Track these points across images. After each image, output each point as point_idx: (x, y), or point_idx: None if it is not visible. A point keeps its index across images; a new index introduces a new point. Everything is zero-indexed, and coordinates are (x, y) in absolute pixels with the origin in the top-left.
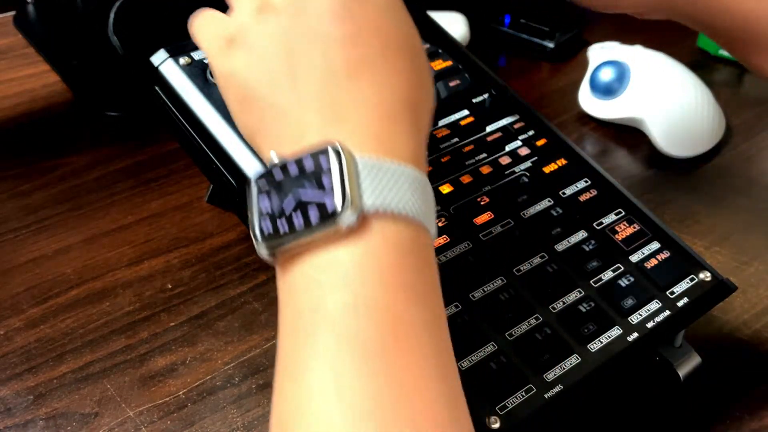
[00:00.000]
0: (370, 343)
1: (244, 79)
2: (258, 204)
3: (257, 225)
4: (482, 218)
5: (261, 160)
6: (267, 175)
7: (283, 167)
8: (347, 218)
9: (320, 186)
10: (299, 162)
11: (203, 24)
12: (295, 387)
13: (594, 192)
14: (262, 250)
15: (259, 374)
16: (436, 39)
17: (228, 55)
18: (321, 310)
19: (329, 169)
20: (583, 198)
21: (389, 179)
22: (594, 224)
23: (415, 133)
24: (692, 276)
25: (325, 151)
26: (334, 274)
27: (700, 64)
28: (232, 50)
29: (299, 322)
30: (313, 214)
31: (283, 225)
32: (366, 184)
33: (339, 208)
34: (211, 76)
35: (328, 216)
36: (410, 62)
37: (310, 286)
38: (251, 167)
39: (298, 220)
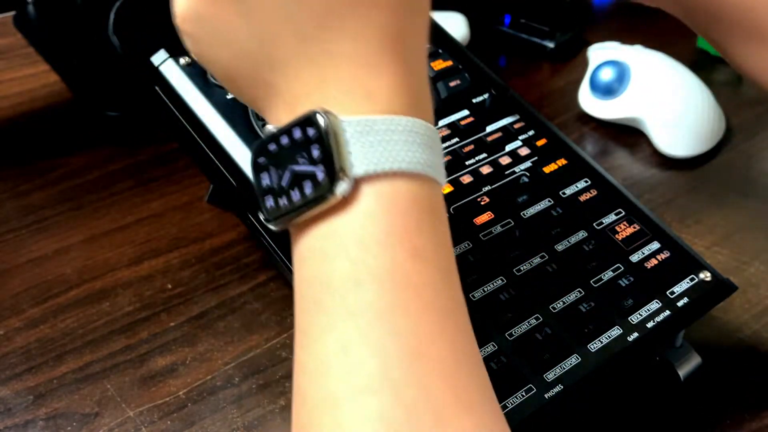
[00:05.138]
0: (375, 311)
1: (216, 64)
2: (260, 183)
3: (262, 203)
4: (482, 218)
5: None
6: (263, 149)
7: (277, 140)
8: (339, 188)
9: (310, 157)
10: (289, 133)
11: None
12: (309, 358)
13: (594, 192)
14: (272, 227)
15: (259, 374)
16: (436, 39)
17: (193, 39)
18: (326, 281)
19: (316, 139)
20: (583, 198)
21: (379, 138)
22: (594, 224)
23: (406, 70)
24: (692, 276)
25: (310, 120)
26: (335, 243)
27: (700, 64)
28: (194, 31)
29: (308, 292)
30: (308, 187)
31: (283, 200)
32: (355, 148)
33: (329, 179)
34: (212, 77)
35: (320, 188)
36: None
37: (315, 256)
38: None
39: (295, 194)
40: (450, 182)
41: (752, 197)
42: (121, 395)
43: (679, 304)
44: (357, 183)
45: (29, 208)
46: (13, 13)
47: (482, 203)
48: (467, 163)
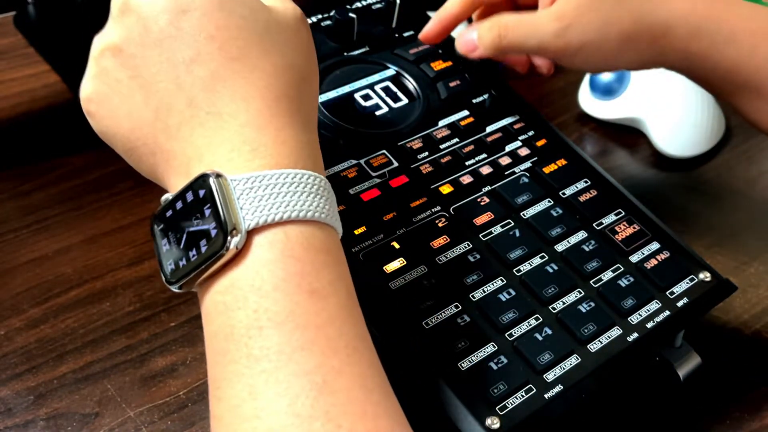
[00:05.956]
0: (279, 353)
1: (117, 136)
2: (161, 249)
3: (164, 265)
4: (482, 218)
5: None
6: (161, 218)
7: (172, 206)
8: (232, 242)
9: (203, 216)
10: (183, 198)
11: None
12: (221, 408)
13: (594, 192)
14: (175, 289)
15: None
16: None
17: (97, 116)
18: (230, 332)
19: (207, 199)
20: (583, 198)
21: (268, 191)
22: (594, 224)
23: (291, 126)
24: (692, 276)
25: (200, 182)
26: (235, 295)
27: None
28: (97, 110)
29: (215, 345)
30: (203, 245)
31: (182, 261)
32: (245, 203)
33: (222, 235)
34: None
35: (214, 244)
36: (266, 53)
37: (219, 310)
38: None
39: (192, 253)
40: (450, 182)
41: (752, 197)
42: (121, 395)
43: (679, 304)
44: (250, 235)
45: (29, 208)
46: (13, 13)
47: (482, 203)
48: (467, 163)
